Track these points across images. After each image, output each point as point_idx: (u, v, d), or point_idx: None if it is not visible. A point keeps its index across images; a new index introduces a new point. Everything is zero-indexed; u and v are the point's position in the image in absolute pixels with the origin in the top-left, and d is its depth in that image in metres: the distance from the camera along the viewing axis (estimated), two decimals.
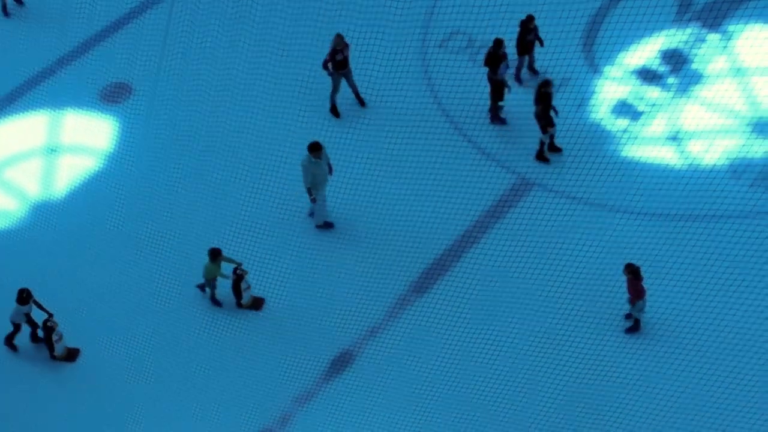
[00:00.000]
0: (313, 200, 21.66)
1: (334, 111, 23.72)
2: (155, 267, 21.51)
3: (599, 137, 22.56)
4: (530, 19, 22.80)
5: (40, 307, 20.63)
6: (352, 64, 23.13)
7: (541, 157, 22.57)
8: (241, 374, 20.21)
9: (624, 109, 23.24)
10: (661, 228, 21.10)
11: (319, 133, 22.41)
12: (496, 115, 23.13)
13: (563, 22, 22.58)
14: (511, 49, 23.04)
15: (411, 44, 23.66)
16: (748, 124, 22.59)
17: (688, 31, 24.11)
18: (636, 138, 22.63)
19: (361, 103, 23.70)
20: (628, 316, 20.13)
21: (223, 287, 21.14)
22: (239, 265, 20.83)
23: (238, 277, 20.87)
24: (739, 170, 21.84)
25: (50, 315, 20.59)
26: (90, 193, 23.35)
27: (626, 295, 19.79)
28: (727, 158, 22.03)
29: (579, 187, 21.79)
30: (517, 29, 23.03)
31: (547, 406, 19.10)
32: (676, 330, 19.76)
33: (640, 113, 23.06)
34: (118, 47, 25.60)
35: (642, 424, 18.73)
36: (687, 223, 21.02)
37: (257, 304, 21.25)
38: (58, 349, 20.75)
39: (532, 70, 23.76)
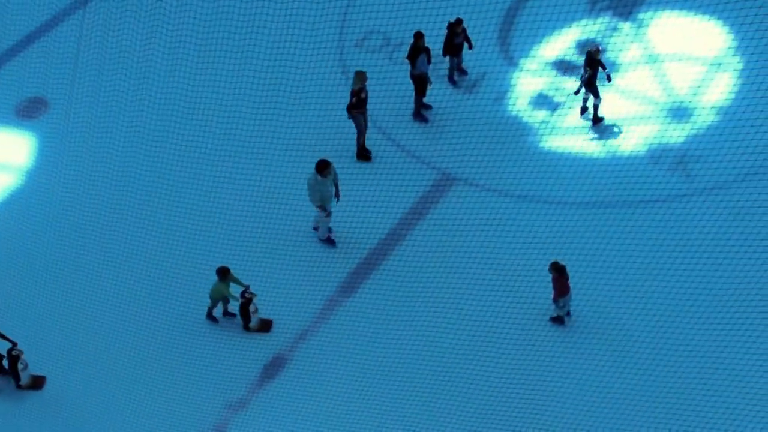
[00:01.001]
0: (328, 214, 21.42)
1: (364, 154, 23.05)
2: (98, 286, 21.43)
3: (519, 130, 22.99)
4: (459, 22, 23.08)
5: (2, 336, 20.25)
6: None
7: (596, 119, 23.05)
8: (175, 387, 20.25)
9: (542, 100, 23.69)
10: (583, 216, 21.54)
11: (238, 138, 22.59)
12: (419, 112, 23.47)
13: (478, 17, 23.02)
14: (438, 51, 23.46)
15: (328, 45, 23.90)
16: (663, 110, 23.17)
17: (601, 21, 24.63)
18: (555, 129, 23.09)
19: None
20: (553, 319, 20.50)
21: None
22: (247, 287, 20.54)
23: (247, 300, 20.53)
24: (657, 156, 22.43)
25: (14, 344, 20.21)
26: (11, 209, 23.25)
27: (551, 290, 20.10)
28: (645, 144, 22.60)
29: (501, 180, 22.25)
30: (445, 32, 23.31)
31: (480, 399, 19.43)
32: (602, 318, 20.26)
33: (559, 104, 23.54)
34: (32, 62, 25.49)
35: (574, 414, 19.20)
36: (609, 210, 21.57)
37: (266, 326, 20.95)
38: (24, 378, 20.45)
39: (461, 71, 24.11)
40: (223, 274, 20.30)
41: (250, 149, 22.68)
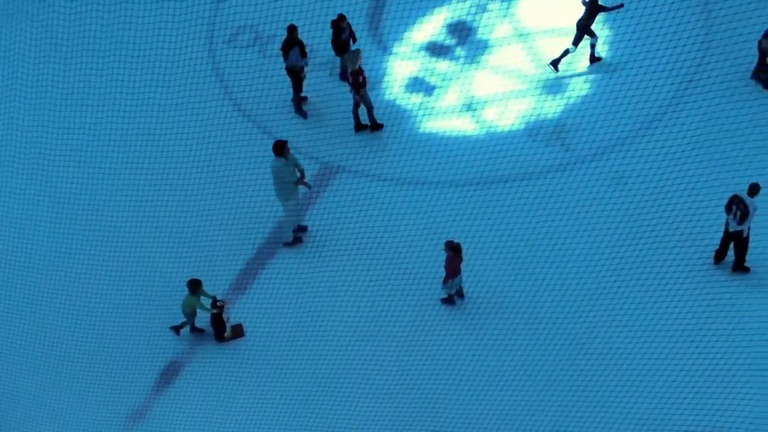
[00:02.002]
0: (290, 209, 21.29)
1: (377, 125, 23.25)
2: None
3: (396, 115, 23.31)
4: (341, 18, 23.26)
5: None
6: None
7: (594, 59, 23.76)
8: (72, 399, 20.19)
9: (417, 84, 24.06)
10: (467, 196, 21.98)
11: (110, 139, 22.60)
12: (299, 107, 23.60)
13: (347, 6, 23.26)
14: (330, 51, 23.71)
15: (198, 42, 23.90)
16: (537, 86, 23.70)
17: (470, 1, 25.08)
18: (432, 111, 23.45)
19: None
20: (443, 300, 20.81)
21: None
22: (214, 297, 20.45)
23: (220, 309, 20.37)
24: (534, 129, 22.96)
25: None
26: None
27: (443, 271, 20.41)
28: (522, 119, 23.10)
29: (383, 166, 22.58)
30: (330, 29, 23.48)
31: (376, 383, 19.67)
32: (494, 295, 20.68)
33: (434, 87, 23.91)
34: None
35: (469, 398, 19.56)
36: (491, 187, 22.02)
37: (239, 332, 20.87)
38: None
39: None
40: (195, 287, 20.09)
41: (122, 150, 22.74)
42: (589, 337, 19.89)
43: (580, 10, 23.78)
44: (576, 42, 23.57)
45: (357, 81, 22.67)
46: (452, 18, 24.94)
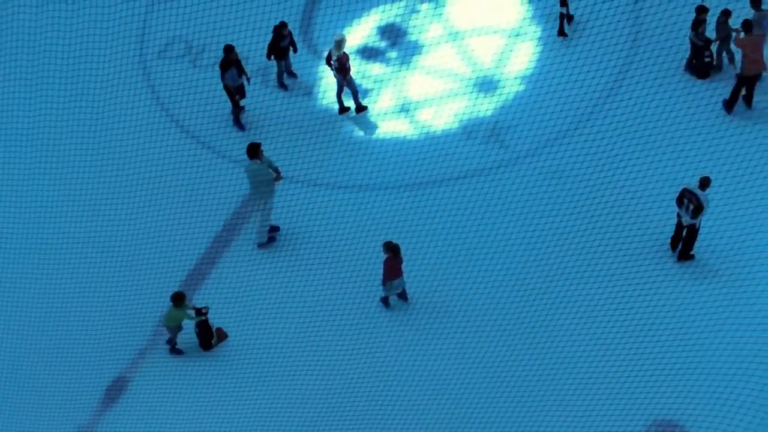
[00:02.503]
0: (267, 211, 21.35)
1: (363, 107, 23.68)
2: None
3: (332, 121, 23.43)
4: (284, 25, 23.35)
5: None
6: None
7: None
8: (14, 418, 20.07)
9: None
10: (406, 198, 22.14)
11: (40, 152, 22.48)
12: (237, 119, 23.61)
13: (279, 14, 23.31)
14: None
15: (129, 55, 23.84)
16: (471, 84, 23.96)
17: (401, 4, 25.32)
18: (368, 116, 23.58)
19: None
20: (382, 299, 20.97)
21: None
22: (195, 307, 20.45)
23: (206, 316, 20.35)
24: (470, 129, 23.20)
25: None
26: None
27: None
28: (458, 120, 23.35)
29: (322, 172, 22.65)
30: (271, 35, 23.53)
31: (319, 385, 19.86)
32: (436, 296, 20.86)
33: (369, 90, 24.06)
34: None
35: (408, 397, 19.71)
36: (430, 189, 22.24)
37: (221, 335, 20.85)
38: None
39: (290, 74, 24.33)
40: (180, 299, 20.07)
41: (53, 161, 22.65)
42: (532, 332, 20.16)
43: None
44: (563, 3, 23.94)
45: (344, 66, 22.97)
46: (383, 21, 25.13)
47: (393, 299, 20.78)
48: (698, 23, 22.80)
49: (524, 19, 24.81)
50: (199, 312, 20.36)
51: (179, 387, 20.16)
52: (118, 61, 22.72)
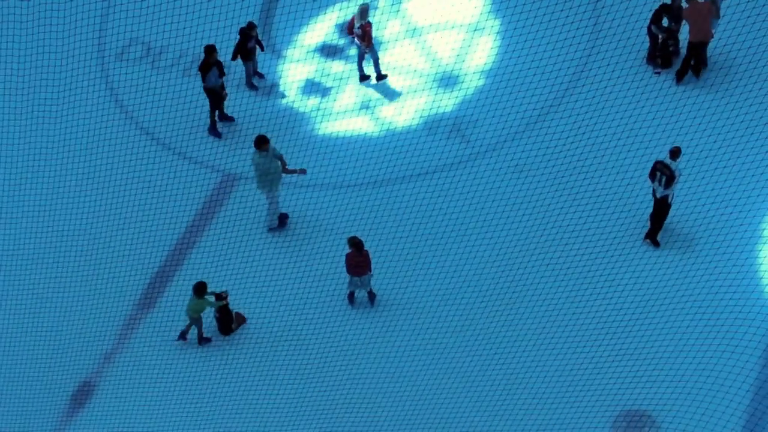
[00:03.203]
0: (274, 199, 21.65)
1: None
2: None
3: (294, 120, 23.51)
4: (251, 26, 23.38)
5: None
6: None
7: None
8: None
9: (313, 87, 24.30)
10: (370, 196, 22.28)
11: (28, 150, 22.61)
12: (213, 127, 23.55)
13: (238, 14, 23.37)
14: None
15: (88, 58, 23.83)
16: (432, 80, 24.10)
17: (360, 1, 25.31)
18: (330, 114, 23.70)
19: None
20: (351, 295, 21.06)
21: None
22: (214, 292, 20.57)
23: (226, 300, 20.53)
24: (433, 125, 23.34)
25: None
26: None
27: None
28: (419, 116, 23.49)
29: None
30: (237, 37, 23.52)
31: (288, 383, 20.01)
32: (403, 293, 21.01)
33: (329, 89, 24.15)
34: None
35: (379, 397, 19.85)
36: (393, 186, 22.39)
37: (240, 319, 20.99)
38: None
39: (258, 74, 24.37)
40: (202, 289, 20.25)
41: (14, 164, 22.66)
42: (499, 326, 20.32)
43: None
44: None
45: (367, 34, 23.34)
46: (343, 18, 25.20)
47: (360, 296, 20.92)
48: (660, 15, 23.06)
49: (483, 13, 24.96)
50: (219, 297, 20.55)
51: (146, 390, 20.25)
52: (77, 64, 22.72)
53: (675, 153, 20.18)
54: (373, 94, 23.97)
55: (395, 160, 22.61)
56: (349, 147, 23.13)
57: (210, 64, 22.79)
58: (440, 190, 22.25)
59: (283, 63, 24.59)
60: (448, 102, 23.63)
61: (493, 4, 24.99)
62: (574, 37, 23.00)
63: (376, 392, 19.80)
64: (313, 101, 23.94)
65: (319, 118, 23.52)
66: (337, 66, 24.43)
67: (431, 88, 23.97)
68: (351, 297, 20.93)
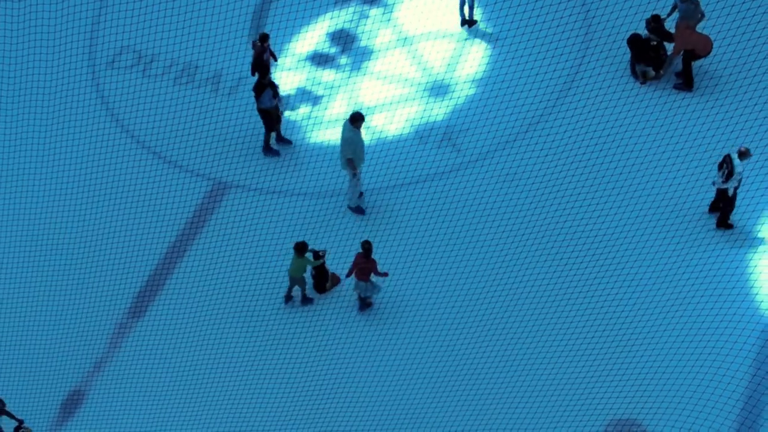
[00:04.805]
0: (355, 174, 22.04)
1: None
2: None
3: (285, 128, 23.66)
4: (266, 37, 23.42)
5: (10, 415, 19.80)
6: None
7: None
8: None
9: (304, 96, 24.50)
10: (363, 204, 22.40)
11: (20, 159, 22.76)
12: (267, 146, 23.60)
13: (229, 22, 23.55)
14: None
15: (79, 66, 23.98)
16: (423, 89, 24.31)
17: (351, 9, 25.64)
18: (321, 122, 23.88)
19: None
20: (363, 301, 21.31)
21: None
22: (314, 250, 21.14)
23: (323, 259, 21.13)
24: (424, 134, 23.54)
25: (21, 422, 19.78)
26: None
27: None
28: (411, 125, 23.70)
29: (276, 180, 22.91)
30: (252, 51, 23.71)
31: (285, 390, 20.19)
32: (394, 301, 21.26)
33: (320, 97, 24.34)
34: None
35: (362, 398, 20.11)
36: (385, 194, 22.59)
37: (336, 280, 21.61)
38: None
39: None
40: (303, 248, 20.78)
41: (4, 171, 22.87)
42: (488, 334, 20.50)
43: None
44: None
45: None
46: (334, 27, 25.44)
47: (373, 298, 21.23)
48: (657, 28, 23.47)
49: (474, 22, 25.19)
50: (317, 255, 21.07)
51: (136, 398, 20.41)
52: (67, 72, 22.87)
53: (743, 153, 20.88)
54: (364, 103, 24.17)
55: (386, 169, 22.85)
56: (338, 156, 23.25)
57: (264, 85, 22.88)
58: (431, 199, 22.46)
59: (275, 71, 24.73)
60: (439, 111, 23.84)
61: (483, 13, 25.22)
62: (565, 46, 23.32)
63: (363, 397, 20.06)
64: (304, 110, 24.15)
65: (310, 127, 23.72)
66: (328, 74, 24.62)
67: (422, 96, 24.20)
68: (361, 300, 21.22)
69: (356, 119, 21.78)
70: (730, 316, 19.83)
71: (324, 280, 21.53)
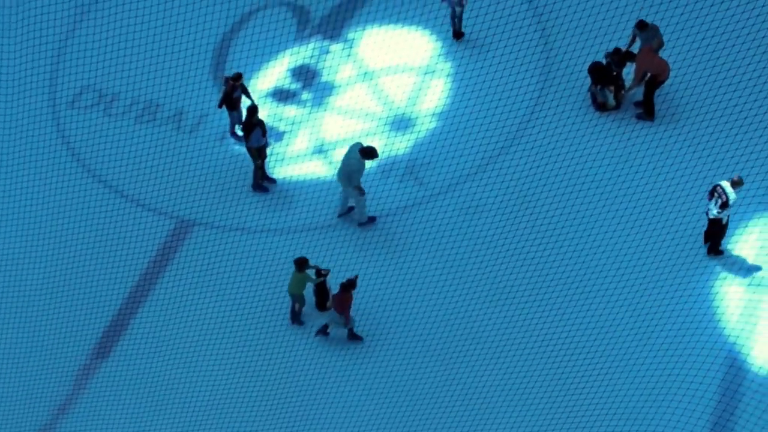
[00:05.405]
0: (363, 193, 22.47)
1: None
2: None
3: (247, 165, 23.73)
4: (238, 77, 23.60)
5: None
6: None
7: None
8: None
9: (267, 132, 24.43)
10: (326, 239, 22.60)
11: None
12: (257, 184, 23.70)
13: (190, 60, 23.68)
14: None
15: (40, 107, 24.05)
16: (386, 123, 24.48)
17: (311, 45, 25.81)
18: (284, 158, 23.98)
19: None
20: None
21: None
22: (316, 267, 21.30)
23: (325, 277, 21.21)
24: (387, 168, 23.68)
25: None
26: None
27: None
28: (374, 159, 23.73)
29: (239, 216, 23.03)
30: (223, 87, 23.89)
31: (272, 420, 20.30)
32: (376, 332, 21.43)
33: (283, 133, 24.45)
34: None
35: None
36: (349, 229, 22.73)
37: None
38: None
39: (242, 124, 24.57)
40: (303, 264, 20.91)
41: None
42: (454, 368, 20.78)
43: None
44: None
45: None
46: (296, 62, 25.58)
47: (334, 333, 21.32)
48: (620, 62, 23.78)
49: (435, 56, 25.40)
50: (319, 273, 21.19)
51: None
52: (28, 112, 22.96)
53: (736, 183, 21.09)
54: (328, 138, 24.32)
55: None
56: (304, 191, 23.47)
57: (253, 124, 23.03)
58: (395, 233, 22.61)
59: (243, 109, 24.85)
60: (401, 145, 24.00)
61: (442, 47, 25.46)
62: (524, 78, 23.56)
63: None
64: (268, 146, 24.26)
65: (272, 163, 23.80)
66: (290, 110, 24.74)
67: (385, 131, 24.36)
68: (323, 328, 21.29)
69: (369, 154, 22.13)
70: (694, 344, 20.14)
71: (325, 299, 21.60)
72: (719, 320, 20.90)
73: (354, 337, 21.33)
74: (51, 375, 20.94)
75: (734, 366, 20.28)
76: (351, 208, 23.02)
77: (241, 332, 21.40)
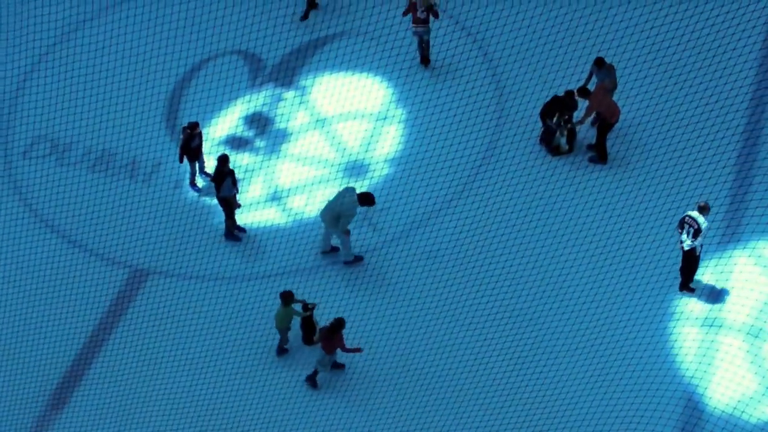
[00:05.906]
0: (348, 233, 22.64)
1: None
2: None
3: (201, 213, 23.85)
4: (195, 125, 23.74)
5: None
6: None
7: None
8: None
9: None
10: (281, 287, 22.44)
11: None
12: (230, 233, 23.72)
13: (142, 109, 23.75)
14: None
15: None
16: (341, 170, 24.63)
17: (264, 93, 25.99)
18: (240, 207, 23.97)
19: None
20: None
21: None
22: (303, 302, 21.45)
23: (311, 312, 21.31)
24: None
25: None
26: None
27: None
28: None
29: (194, 265, 23.05)
30: (180, 137, 23.98)
31: None
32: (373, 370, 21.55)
33: (238, 180, 24.43)
34: None
35: None
36: (304, 276, 22.78)
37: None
38: None
39: (206, 174, 24.53)
40: (289, 298, 21.00)
41: None
42: (419, 411, 20.84)
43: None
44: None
45: (436, 14, 25.64)
46: (249, 110, 25.71)
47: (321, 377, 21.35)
48: (551, 108, 24.05)
49: (388, 102, 25.64)
50: (306, 307, 21.33)
51: None
52: None
53: (703, 208, 21.23)
54: (283, 185, 24.41)
55: (306, 250, 23.10)
56: (259, 238, 23.54)
57: (224, 173, 23.06)
58: (350, 279, 22.70)
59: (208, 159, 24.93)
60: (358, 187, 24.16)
61: (394, 93, 25.72)
62: (476, 123, 23.82)
63: None
64: None
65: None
66: (244, 158, 24.84)
67: (339, 177, 24.50)
68: (312, 376, 21.33)
69: (367, 201, 22.37)
70: (649, 384, 20.35)
71: (311, 333, 21.67)
72: (675, 359, 21.12)
73: (336, 366, 21.44)
74: (4, 429, 20.83)
75: (690, 404, 20.53)
76: (335, 248, 23.21)
77: (204, 379, 21.43)
